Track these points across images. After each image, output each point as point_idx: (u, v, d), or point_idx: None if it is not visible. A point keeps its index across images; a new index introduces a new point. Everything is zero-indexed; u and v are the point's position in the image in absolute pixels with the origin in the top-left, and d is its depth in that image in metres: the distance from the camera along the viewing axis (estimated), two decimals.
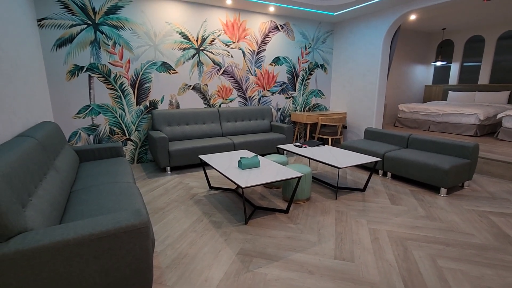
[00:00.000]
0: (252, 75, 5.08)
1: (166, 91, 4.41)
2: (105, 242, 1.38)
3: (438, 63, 7.20)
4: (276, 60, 5.28)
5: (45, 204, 1.65)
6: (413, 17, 5.43)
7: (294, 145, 3.76)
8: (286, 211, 2.67)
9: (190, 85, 4.58)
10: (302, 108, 5.83)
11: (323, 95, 6.04)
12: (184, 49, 4.41)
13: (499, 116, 5.02)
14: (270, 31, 5.10)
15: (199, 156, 3.20)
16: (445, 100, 7.41)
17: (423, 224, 2.45)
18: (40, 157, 1.99)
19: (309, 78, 5.76)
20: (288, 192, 2.89)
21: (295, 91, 5.64)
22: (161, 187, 3.37)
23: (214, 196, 3.09)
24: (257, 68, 5.10)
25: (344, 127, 5.86)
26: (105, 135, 4.09)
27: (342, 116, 5.26)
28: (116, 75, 4.01)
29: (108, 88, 4.00)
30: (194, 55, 4.50)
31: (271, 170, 2.67)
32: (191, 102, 4.65)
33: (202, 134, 4.51)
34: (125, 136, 4.23)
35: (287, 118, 5.68)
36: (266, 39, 5.09)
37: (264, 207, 2.75)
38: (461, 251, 2.07)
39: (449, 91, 7.25)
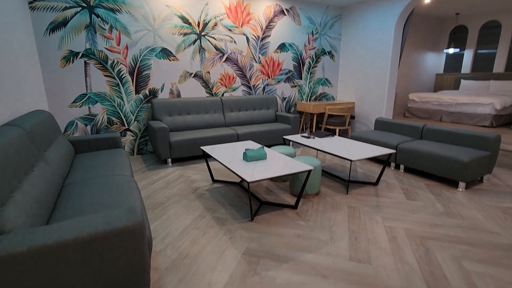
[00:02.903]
0: (256, 62, 4.84)
1: (167, 79, 4.20)
2: (95, 245, 1.21)
3: (451, 50, 6.89)
4: (282, 47, 5.03)
5: (30, 201, 1.48)
6: (427, 0, 5.12)
7: (302, 136, 3.56)
8: (294, 207, 2.50)
9: (192, 73, 4.36)
10: (309, 98, 5.59)
11: (330, 83, 5.79)
12: (185, 34, 4.17)
13: None
14: (275, 16, 4.83)
15: (201, 147, 3.02)
16: (457, 89, 7.13)
17: (443, 222, 2.27)
18: (27, 148, 1.81)
19: (316, 66, 5.50)
20: (296, 186, 2.71)
21: (301, 79, 5.39)
22: (161, 180, 3.20)
23: (217, 190, 2.92)
24: (261, 55, 4.86)
25: (352, 117, 5.63)
26: (103, 125, 3.91)
27: (351, 106, 5.03)
28: (113, 61, 3.80)
29: (105, 75, 3.80)
30: (195, 40, 4.26)
31: (279, 162, 2.48)
32: (193, 91, 4.44)
33: (204, 125, 4.32)
34: (124, 126, 4.05)
35: (293, 108, 5.46)
36: (271, 24, 4.82)
37: (271, 202, 2.58)
38: (487, 252, 1.89)
39: (462, 80, 6.96)
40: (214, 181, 3.15)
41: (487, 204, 2.59)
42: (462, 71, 7.15)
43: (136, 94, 4.04)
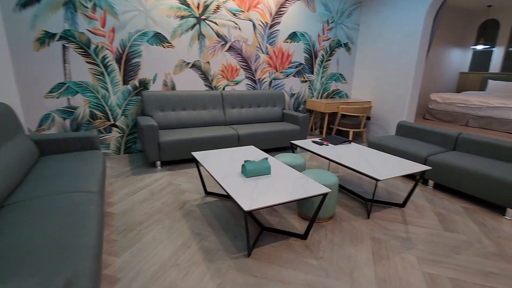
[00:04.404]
0: (263, 53, 4.27)
1: (160, 69, 3.66)
2: None
3: (479, 47, 6.21)
4: (293, 36, 4.44)
5: None
6: None
7: (313, 142, 3.02)
8: (304, 237, 1.98)
9: (189, 63, 3.81)
10: (320, 95, 5.02)
11: (345, 79, 5.20)
12: (182, 17, 3.61)
13: None
14: (287, 0, 4.23)
15: (193, 153, 2.50)
16: (483, 90, 6.47)
17: (498, 269, 1.74)
18: None
19: (330, 59, 4.91)
20: (306, 208, 2.19)
21: (312, 74, 4.82)
22: (145, 189, 2.70)
23: (210, 206, 2.42)
24: (269, 44, 4.28)
25: (368, 118, 5.05)
26: (85, 119, 3.41)
27: (367, 106, 4.46)
28: (97, 46, 3.27)
29: (87, 62, 3.28)
30: (194, 25, 3.70)
31: (286, 180, 1.96)
32: (190, 83, 3.90)
33: (201, 122, 3.79)
34: (109, 121, 3.54)
35: (302, 106, 4.90)
36: (281, 9, 4.23)
37: (274, 229, 2.06)
38: None
39: (489, 80, 6.29)
40: (207, 193, 2.64)
41: None
42: (491, 70, 6.47)
43: (124, 85, 3.51)
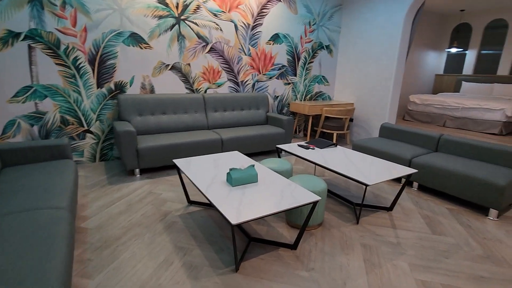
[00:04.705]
0: (245, 54, 4.17)
1: (137, 71, 3.48)
2: None
3: (453, 50, 6.45)
4: (275, 38, 4.38)
5: None
6: None
7: (299, 146, 2.95)
8: (293, 247, 1.90)
9: (168, 64, 3.65)
10: (303, 97, 4.99)
11: (327, 82, 5.20)
12: (160, 17, 3.45)
13: None
14: (268, 1, 4.16)
15: (174, 160, 2.36)
16: (458, 92, 6.72)
17: (489, 272, 1.73)
18: None
19: (312, 61, 4.90)
20: (295, 217, 2.11)
21: (295, 76, 4.78)
22: (123, 200, 2.52)
23: (194, 216, 2.28)
24: (251, 46, 4.20)
25: (351, 120, 5.08)
26: (55, 125, 3.17)
27: (350, 108, 4.47)
28: (67, 46, 3.05)
29: (57, 63, 3.04)
30: (173, 25, 3.55)
31: (274, 188, 1.86)
32: (170, 86, 3.73)
33: (182, 127, 3.63)
34: (83, 127, 3.31)
35: (286, 108, 4.85)
36: (263, 10, 4.16)
37: (263, 239, 1.96)
38: None
39: (463, 82, 6.54)
40: (190, 202, 2.50)
41: None
42: (464, 72, 6.74)
43: (98, 88, 3.30)
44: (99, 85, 3.29)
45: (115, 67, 3.33)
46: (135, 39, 3.37)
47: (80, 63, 3.14)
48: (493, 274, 1.71)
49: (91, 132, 3.37)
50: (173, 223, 2.18)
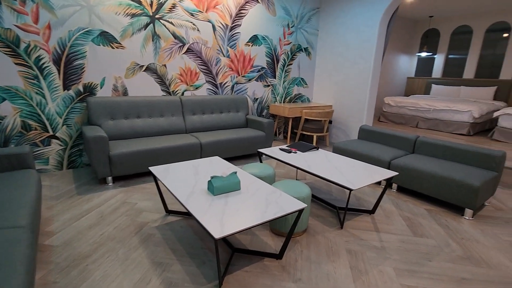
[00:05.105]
0: (224, 56, 4.07)
1: (109, 72, 3.27)
2: None
3: (423, 54, 6.74)
4: (254, 39, 4.32)
5: None
6: None
7: (281, 149, 2.90)
8: (279, 256, 1.83)
9: (143, 65, 3.46)
10: (283, 99, 4.97)
11: (306, 84, 5.22)
12: (134, 15, 3.27)
13: (496, 114, 4.61)
14: (247, 2, 4.09)
15: (150, 168, 2.21)
16: (428, 94, 7.03)
17: (470, 274, 1.76)
18: None
19: (291, 64, 4.89)
20: (279, 225, 2.05)
21: (275, 78, 4.74)
22: (94, 211, 2.33)
23: (172, 227, 2.15)
24: (230, 47, 4.10)
25: (330, 122, 5.13)
26: (15, 131, 2.89)
27: (329, 110, 4.50)
28: (29, 45, 2.79)
29: (17, 63, 2.78)
30: (147, 24, 3.37)
31: (258, 196, 1.79)
32: (144, 88, 3.55)
33: (159, 131, 3.46)
34: (47, 132, 3.05)
35: (265, 110, 4.80)
36: (242, 11, 4.08)
37: (247, 250, 1.88)
38: None
39: (433, 85, 6.86)
40: (169, 211, 2.36)
41: (505, 240, 2.16)
42: (433, 75, 7.06)
43: (64, 90, 3.05)
44: (66, 87, 3.05)
45: (83, 67, 3.10)
46: (106, 38, 3.16)
47: (43, 63, 2.89)
48: (474, 275, 1.74)
49: (57, 138, 3.11)
50: (150, 235, 2.03)
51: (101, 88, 3.25)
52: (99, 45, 3.14)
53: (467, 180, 2.40)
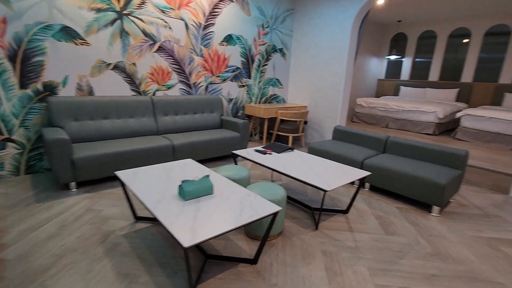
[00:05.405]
0: (197, 55, 3.97)
1: (72, 70, 3.06)
2: None
3: (392, 57, 7.01)
4: (228, 39, 4.25)
5: None
6: (381, 1, 4.93)
7: (256, 151, 2.86)
8: (254, 261, 1.78)
9: (110, 63, 3.28)
10: (258, 99, 4.94)
11: (281, 84, 5.24)
12: (99, 10, 3.08)
13: (458, 115, 4.88)
14: (221, 0, 4.02)
15: (116, 173, 2.08)
16: (397, 95, 7.33)
17: (438, 270, 1.82)
18: None
19: (266, 64, 4.87)
20: (254, 228, 2.00)
21: (250, 78, 4.70)
22: (54, 220, 2.15)
23: (141, 234, 2.03)
24: (204, 47, 4.01)
25: (305, 122, 5.17)
26: None
27: (304, 111, 4.54)
28: None
29: None
30: (114, 20, 3.20)
31: (232, 200, 1.73)
32: (112, 87, 3.36)
33: (128, 132, 3.29)
34: (1, 135, 2.79)
35: (241, 111, 4.74)
36: (215, 10, 4.00)
37: (220, 256, 1.81)
38: None
39: (401, 86, 7.16)
40: (137, 218, 2.23)
41: (469, 235, 2.27)
42: (402, 77, 7.38)
43: (21, 89, 2.81)
44: (23, 85, 2.81)
45: (43, 65, 2.88)
46: (69, 34, 2.96)
47: None
48: (442, 271, 1.80)
49: (13, 141, 2.86)
50: (116, 245, 1.90)
51: (63, 87, 3.04)
52: (61, 41, 2.93)
53: (434, 178, 2.50)
